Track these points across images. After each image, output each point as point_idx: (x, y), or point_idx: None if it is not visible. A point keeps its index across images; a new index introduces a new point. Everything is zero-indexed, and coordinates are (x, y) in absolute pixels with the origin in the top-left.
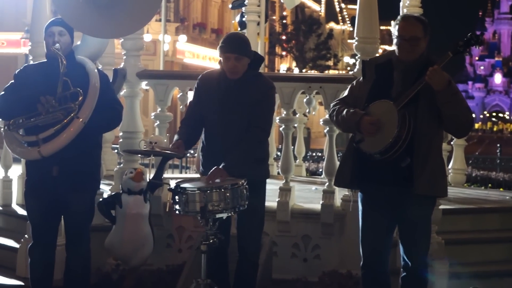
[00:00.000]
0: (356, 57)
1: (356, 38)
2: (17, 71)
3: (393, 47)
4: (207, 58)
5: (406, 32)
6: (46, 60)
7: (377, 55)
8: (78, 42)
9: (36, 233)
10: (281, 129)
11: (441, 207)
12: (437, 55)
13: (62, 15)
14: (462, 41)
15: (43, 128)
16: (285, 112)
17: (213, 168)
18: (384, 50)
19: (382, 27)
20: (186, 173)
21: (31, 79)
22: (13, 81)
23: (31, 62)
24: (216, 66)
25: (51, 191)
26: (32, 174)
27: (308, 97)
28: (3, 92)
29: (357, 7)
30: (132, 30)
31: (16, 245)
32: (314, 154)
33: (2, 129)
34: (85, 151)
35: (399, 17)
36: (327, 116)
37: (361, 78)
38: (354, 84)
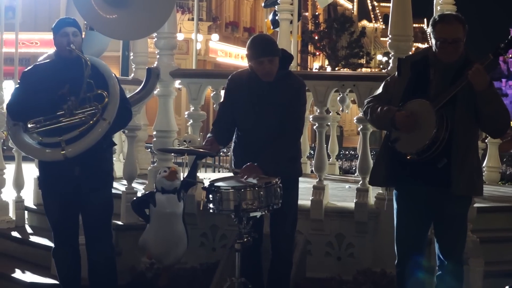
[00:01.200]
0: (390, 55)
1: (390, 36)
2: (25, 70)
3: (426, 45)
4: (240, 56)
5: (448, 35)
6: (54, 59)
7: (410, 53)
8: None
9: (58, 234)
10: (314, 127)
11: (476, 205)
12: (471, 50)
13: (84, 17)
14: (503, 43)
15: (66, 130)
16: (318, 111)
17: (247, 164)
18: (417, 48)
19: (414, 25)
20: (219, 172)
21: (45, 80)
22: (21, 81)
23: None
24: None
25: (73, 191)
26: (49, 175)
27: (341, 95)
28: (15, 93)
29: (390, 4)
30: (152, 30)
31: (51, 244)
32: (347, 152)
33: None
34: (102, 149)
35: (437, 17)
36: (360, 114)
37: (396, 75)
38: (389, 81)
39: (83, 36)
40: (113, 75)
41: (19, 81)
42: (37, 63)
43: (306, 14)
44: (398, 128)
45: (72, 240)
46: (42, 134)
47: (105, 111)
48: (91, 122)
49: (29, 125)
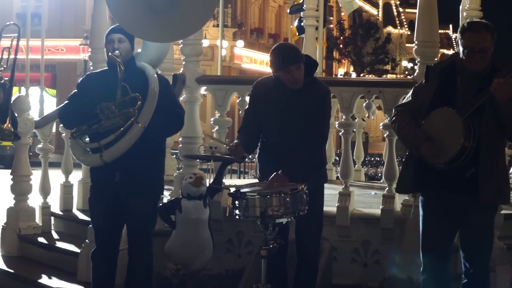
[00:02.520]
0: (416, 61)
1: (416, 42)
2: (79, 80)
3: (451, 51)
4: (264, 63)
5: (476, 44)
6: (107, 67)
7: (436, 59)
8: (139, 50)
9: (99, 238)
10: (340, 133)
11: (503, 212)
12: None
13: (118, 20)
14: None
15: (104, 135)
16: (344, 117)
17: (274, 174)
18: (442, 54)
19: (440, 31)
20: (244, 178)
21: (92, 87)
22: (76, 90)
23: (91, 69)
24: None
25: (114, 196)
26: (96, 180)
27: (367, 101)
28: (66, 102)
29: (415, 10)
30: (187, 33)
31: (77, 250)
32: (372, 158)
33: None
34: (147, 156)
35: (466, 24)
36: (386, 121)
37: (423, 82)
38: (417, 88)
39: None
40: (157, 79)
41: (74, 90)
42: (91, 72)
43: (331, 19)
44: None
45: (112, 245)
46: (86, 140)
47: (140, 115)
48: (125, 125)
49: (74, 132)
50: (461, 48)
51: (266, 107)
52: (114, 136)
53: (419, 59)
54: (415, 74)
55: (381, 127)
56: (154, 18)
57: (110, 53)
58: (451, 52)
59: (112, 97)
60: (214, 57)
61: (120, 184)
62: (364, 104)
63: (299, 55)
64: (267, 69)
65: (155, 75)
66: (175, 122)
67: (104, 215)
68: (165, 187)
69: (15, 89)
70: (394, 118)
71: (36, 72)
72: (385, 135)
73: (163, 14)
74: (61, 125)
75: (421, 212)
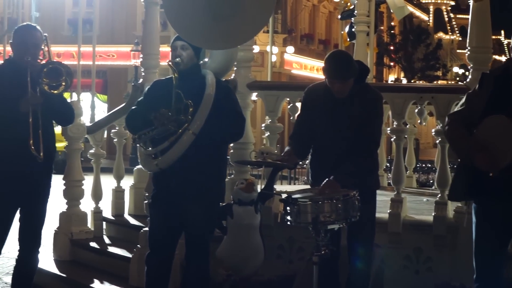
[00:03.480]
0: (469, 67)
1: (468, 48)
2: (147, 87)
3: (503, 57)
4: (315, 69)
5: None
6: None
7: (489, 64)
8: (206, 59)
9: (154, 243)
10: (392, 140)
11: None
12: None
13: (173, 27)
14: None
15: (160, 141)
16: (396, 123)
17: (326, 180)
18: (494, 60)
19: (491, 37)
20: (294, 184)
21: (156, 94)
22: (143, 97)
23: (143, 75)
24: (323, 77)
25: (170, 202)
26: (155, 185)
27: (419, 107)
28: (133, 107)
29: (467, 16)
30: (244, 40)
31: (129, 255)
32: (423, 165)
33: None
34: (204, 163)
35: None
36: (439, 127)
37: (477, 88)
38: (471, 95)
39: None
40: (214, 86)
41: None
42: (159, 79)
43: (382, 28)
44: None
45: (166, 250)
46: (146, 146)
47: (191, 122)
48: (178, 132)
49: (135, 138)
50: None
51: (317, 113)
52: (168, 142)
53: (471, 65)
54: (468, 80)
55: (433, 133)
56: (211, 26)
57: (167, 61)
58: (502, 58)
59: (170, 104)
60: (264, 63)
61: (176, 190)
62: (416, 110)
63: (347, 73)
64: (317, 75)
65: (214, 82)
66: (234, 131)
67: (160, 219)
68: None
69: (66, 95)
70: (447, 127)
71: (88, 78)
72: (437, 142)
73: (222, 21)
74: (113, 130)
75: (474, 220)
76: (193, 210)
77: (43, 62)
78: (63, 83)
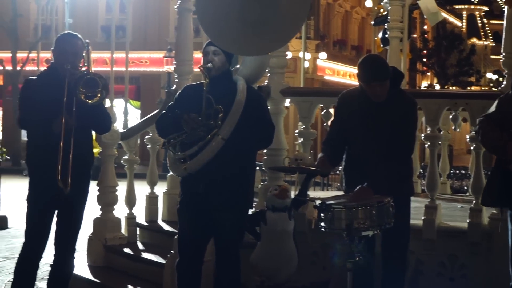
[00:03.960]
0: (504, 73)
1: (503, 54)
2: (178, 91)
3: None
4: (347, 75)
5: None
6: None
7: None
8: (238, 66)
9: (183, 248)
10: (426, 146)
11: None
12: None
13: (206, 32)
14: None
15: (189, 146)
16: (430, 129)
17: (359, 187)
18: None
19: None
20: (327, 190)
21: (186, 98)
22: (173, 102)
23: (176, 81)
24: (356, 83)
25: (199, 208)
26: (184, 191)
27: (453, 113)
28: (163, 112)
29: (503, 22)
30: (276, 47)
31: (163, 261)
32: (457, 171)
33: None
34: (233, 169)
35: None
36: (473, 133)
37: (510, 93)
38: (502, 99)
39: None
40: (245, 93)
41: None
42: (189, 84)
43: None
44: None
45: (196, 256)
46: (175, 150)
47: (221, 127)
48: (207, 138)
49: (164, 142)
50: None
51: (351, 119)
52: (197, 147)
53: (506, 71)
54: (503, 86)
55: (468, 139)
56: (244, 32)
57: (199, 66)
58: None
59: (200, 109)
60: (296, 69)
61: (204, 196)
62: (451, 116)
63: (385, 73)
64: (350, 81)
65: (245, 89)
66: (264, 137)
67: (189, 225)
68: None
69: None
70: (478, 127)
71: (121, 84)
72: (471, 148)
73: (255, 27)
74: (147, 136)
75: (509, 226)
76: (222, 216)
77: (83, 69)
78: (99, 94)
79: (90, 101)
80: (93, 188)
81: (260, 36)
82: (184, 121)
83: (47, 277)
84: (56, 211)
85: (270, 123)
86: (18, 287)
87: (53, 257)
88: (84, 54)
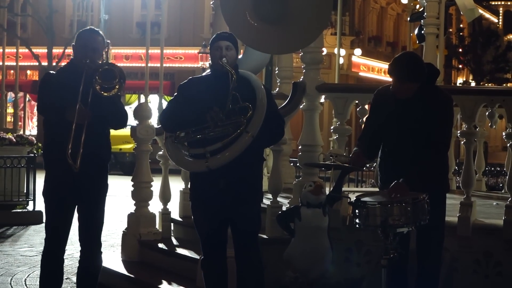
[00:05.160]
0: None
1: None
2: (181, 83)
3: None
4: (382, 71)
5: None
6: (210, 73)
7: None
8: (239, 56)
9: (206, 246)
10: (462, 143)
11: None
12: None
13: (231, 29)
14: None
15: (211, 141)
16: (466, 126)
17: (394, 183)
18: None
19: None
20: (362, 187)
21: (198, 93)
22: (177, 93)
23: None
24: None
25: (218, 203)
26: (198, 187)
27: (490, 110)
28: (168, 105)
29: None
30: (304, 45)
31: (196, 256)
32: (492, 168)
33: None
34: (250, 164)
35: None
36: (509, 130)
37: None
38: None
39: (241, 51)
40: (263, 89)
41: (175, 93)
42: (194, 76)
43: (450, 30)
44: None
45: (220, 252)
46: (189, 145)
47: (249, 124)
48: (234, 134)
49: (177, 136)
50: None
51: (386, 115)
52: (222, 143)
53: None
54: None
55: (504, 136)
56: (266, 30)
57: (219, 61)
58: None
59: (220, 104)
60: (331, 65)
61: (224, 192)
62: (487, 113)
63: (403, 73)
64: (385, 78)
65: (262, 86)
66: (277, 133)
67: (209, 222)
68: (283, 195)
69: (134, 97)
70: None
71: (155, 80)
72: (508, 145)
73: (275, 25)
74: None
75: None
76: (242, 210)
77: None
78: (117, 86)
79: (105, 93)
80: (128, 184)
81: (281, 35)
82: (210, 117)
83: (76, 272)
84: (76, 206)
85: (281, 117)
86: (45, 281)
87: (79, 253)
88: (104, 53)
